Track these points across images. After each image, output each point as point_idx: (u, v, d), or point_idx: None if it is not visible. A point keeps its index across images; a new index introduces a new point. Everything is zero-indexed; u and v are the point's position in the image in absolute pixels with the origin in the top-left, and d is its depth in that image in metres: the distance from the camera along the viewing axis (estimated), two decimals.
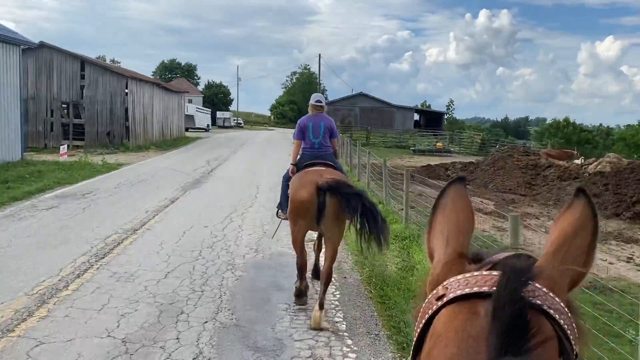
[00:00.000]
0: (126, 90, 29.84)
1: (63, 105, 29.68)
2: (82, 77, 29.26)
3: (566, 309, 0.78)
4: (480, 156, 42.56)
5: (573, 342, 0.77)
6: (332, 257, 6.07)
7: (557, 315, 0.76)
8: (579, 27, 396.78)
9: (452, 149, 45.19)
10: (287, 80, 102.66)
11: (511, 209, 18.54)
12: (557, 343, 0.75)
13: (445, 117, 74.87)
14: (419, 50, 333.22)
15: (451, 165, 25.51)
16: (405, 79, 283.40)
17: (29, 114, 28.97)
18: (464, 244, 0.90)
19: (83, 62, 29.40)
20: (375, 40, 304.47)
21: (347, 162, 22.78)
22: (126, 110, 29.97)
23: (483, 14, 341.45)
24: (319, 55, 73.64)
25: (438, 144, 44.95)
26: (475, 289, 0.78)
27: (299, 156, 6.69)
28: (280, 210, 7.17)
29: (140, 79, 32.26)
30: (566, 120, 68.13)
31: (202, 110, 66.12)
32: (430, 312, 0.83)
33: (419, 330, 0.84)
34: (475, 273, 0.81)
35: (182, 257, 8.22)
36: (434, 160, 35.14)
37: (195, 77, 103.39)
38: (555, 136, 64.66)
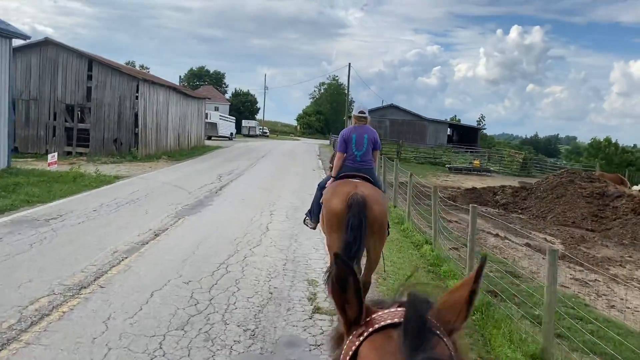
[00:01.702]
0: (137, 94, 27.02)
1: (77, 109, 27.02)
2: (90, 77, 26.52)
3: (448, 339, 0.98)
4: (521, 177, 38.85)
5: None
6: (372, 268, 5.98)
7: (444, 339, 0.96)
8: (612, 46, 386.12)
9: (490, 168, 41.47)
10: (314, 91, 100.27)
11: (584, 250, 15.08)
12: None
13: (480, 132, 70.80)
14: (448, 65, 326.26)
15: (500, 189, 21.92)
16: (433, 93, 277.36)
17: (30, 116, 26.49)
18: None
19: (91, 61, 26.60)
20: (404, 55, 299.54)
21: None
22: (136, 115, 27.10)
23: (514, 30, 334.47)
24: (349, 64, 70.59)
25: (475, 161, 41.18)
26: (389, 321, 0.99)
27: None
28: (308, 218, 6.83)
29: (153, 82, 29.33)
30: (607, 140, 63.73)
31: (226, 118, 63.62)
32: (354, 347, 1.00)
33: None
34: (386, 311, 1.02)
35: (128, 356, 5.08)
36: (473, 180, 31.63)
37: (223, 85, 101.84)
38: (594, 156, 60.45)
